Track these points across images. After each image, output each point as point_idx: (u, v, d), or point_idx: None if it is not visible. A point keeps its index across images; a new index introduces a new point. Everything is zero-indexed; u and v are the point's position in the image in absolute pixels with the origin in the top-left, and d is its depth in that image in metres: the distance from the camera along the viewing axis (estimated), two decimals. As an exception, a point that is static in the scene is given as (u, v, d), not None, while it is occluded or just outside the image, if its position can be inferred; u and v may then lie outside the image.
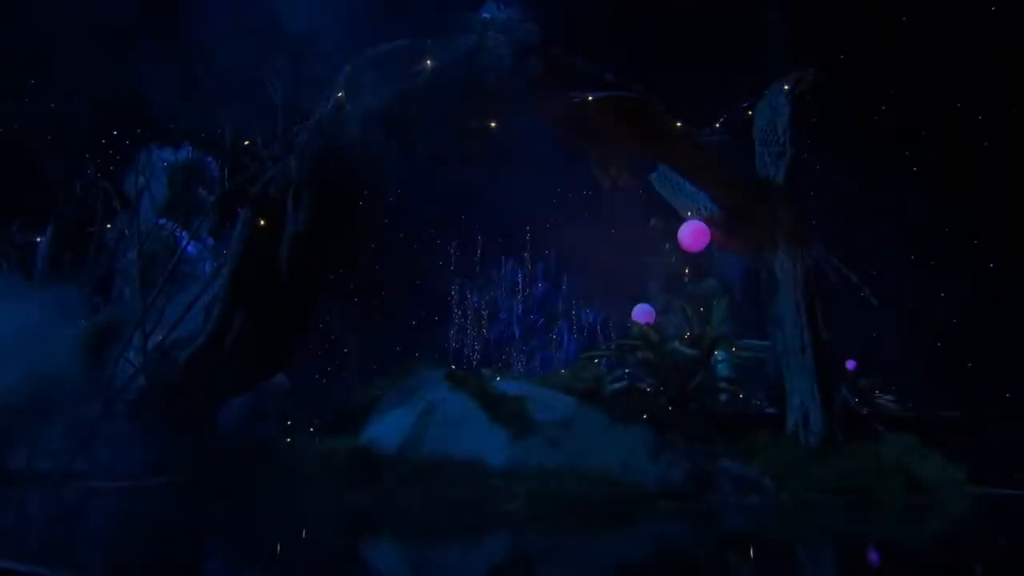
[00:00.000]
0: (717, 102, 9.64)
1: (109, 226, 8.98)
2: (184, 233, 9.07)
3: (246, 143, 8.29)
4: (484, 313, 14.50)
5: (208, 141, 9.60)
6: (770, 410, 9.32)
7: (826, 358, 8.19)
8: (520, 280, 15.59)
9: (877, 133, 13.76)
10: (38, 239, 9.11)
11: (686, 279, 13.28)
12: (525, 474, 6.40)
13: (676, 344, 8.43)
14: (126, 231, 8.64)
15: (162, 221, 9.21)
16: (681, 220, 9.30)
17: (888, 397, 12.73)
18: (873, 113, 14.04)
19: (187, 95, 8.71)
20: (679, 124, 8.28)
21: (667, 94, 8.33)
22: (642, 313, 11.79)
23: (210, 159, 9.91)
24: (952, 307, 13.96)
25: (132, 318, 7.88)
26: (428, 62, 7.65)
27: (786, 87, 8.89)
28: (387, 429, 7.22)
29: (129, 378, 7.60)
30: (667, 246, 14.17)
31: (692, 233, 9.03)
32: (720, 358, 10.50)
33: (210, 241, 9.55)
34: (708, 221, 9.05)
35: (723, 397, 10.16)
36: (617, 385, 8.62)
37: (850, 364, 13.08)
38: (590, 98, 7.73)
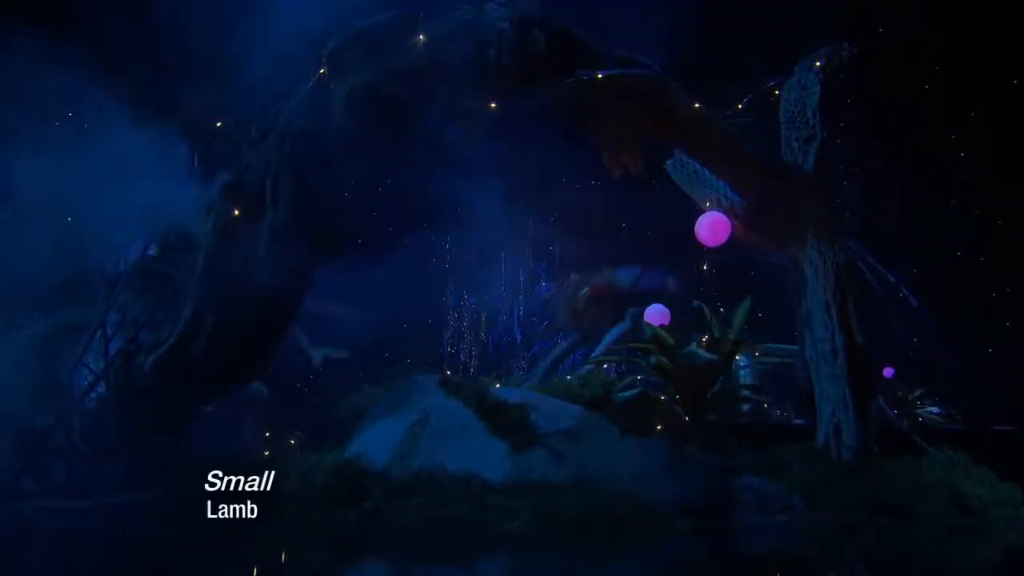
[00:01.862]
0: (740, 81, 9.69)
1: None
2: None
3: (218, 124, 8.35)
4: (482, 315, 14.55)
5: (175, 122, 9.63)
6: (798, 421, 9.38)
7: (860, 364, 8.24)
8: (521, 279, 15.64)
9: (919, 113, 13.76)
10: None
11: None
12: (527, 490, 6.47)
13: (694, 348, 8.46)
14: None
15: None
16: (699, 211, 9.35)
17: (932, 408, 12.81)
18: (915, 91, 14.06)
19: (151, 70, 8.75)
20: (697, 105, 8.33)
21: (684, 72, 8.40)
22: (656, 314, 11.82)
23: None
24: (1005, 308, 13.96)
25: (92, 318, 7.91)
26: (421, 36, 7.71)
27: (817, 64, 8.95)
28: (376, 441, 7.30)
29: (88, 385, 7.64)
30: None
31: (711, 226, 9.09)
32: (742, 364, 10.56)
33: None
34: (729, 213, 9.10)
35: (746, 407, 10.24)
36: (628, 393, 8.66)
37: (888, 372, 13.17)
38: (599, 76, 7.79)
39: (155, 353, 7.63)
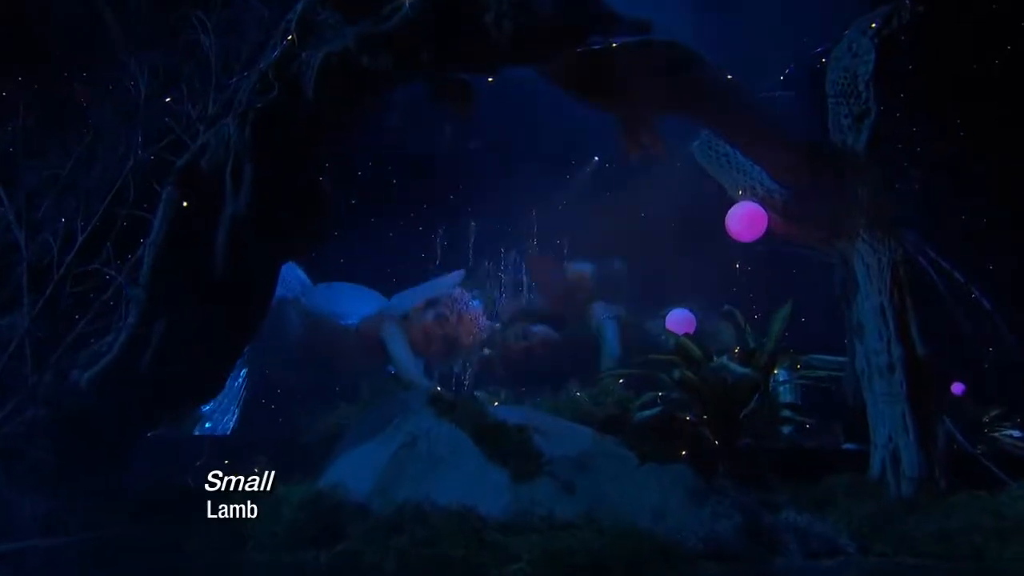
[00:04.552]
0: (779, 49, 9.74)
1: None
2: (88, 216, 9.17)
3: (168, 100, 8.40)
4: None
5: (117, 96, 9.70)
6: (848, 446, 9.44)
7: (923, 379, 8.28)
8: (523, 277, 15.73)
9: (993, 83, 13.78)
10: None
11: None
12: (530, 527, 6.52)
13: (725, 360, 8.54)
14: (10, 216, 8.75)
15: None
16: (730, 201, 9.42)
17: (1012, 432, 12.80)
18: (989, 57, 14.08)
19: (90, 35, 8.81)
20: (729, 77, 8.40)
21: (714, 40, 8.44)
22: (679, 321, 11.88)
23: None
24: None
25: (17, 327, 7.96)
26: (405, -3, 7.78)
27: (872, 26, 8.97)
28: (354, 469, 7.37)
29: (13, 406, 7.67)
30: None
31: (745, 218, 9.13)
32: (782, 379, 10.63)
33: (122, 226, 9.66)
34: (765, 202, 9.16)
35: (786, 429, 10.30)
36: (648, 412, 8.75)
37: (956, 388, 13.17)
38: (615, 44, 7.86)
39: (92, 368, 7.66)
